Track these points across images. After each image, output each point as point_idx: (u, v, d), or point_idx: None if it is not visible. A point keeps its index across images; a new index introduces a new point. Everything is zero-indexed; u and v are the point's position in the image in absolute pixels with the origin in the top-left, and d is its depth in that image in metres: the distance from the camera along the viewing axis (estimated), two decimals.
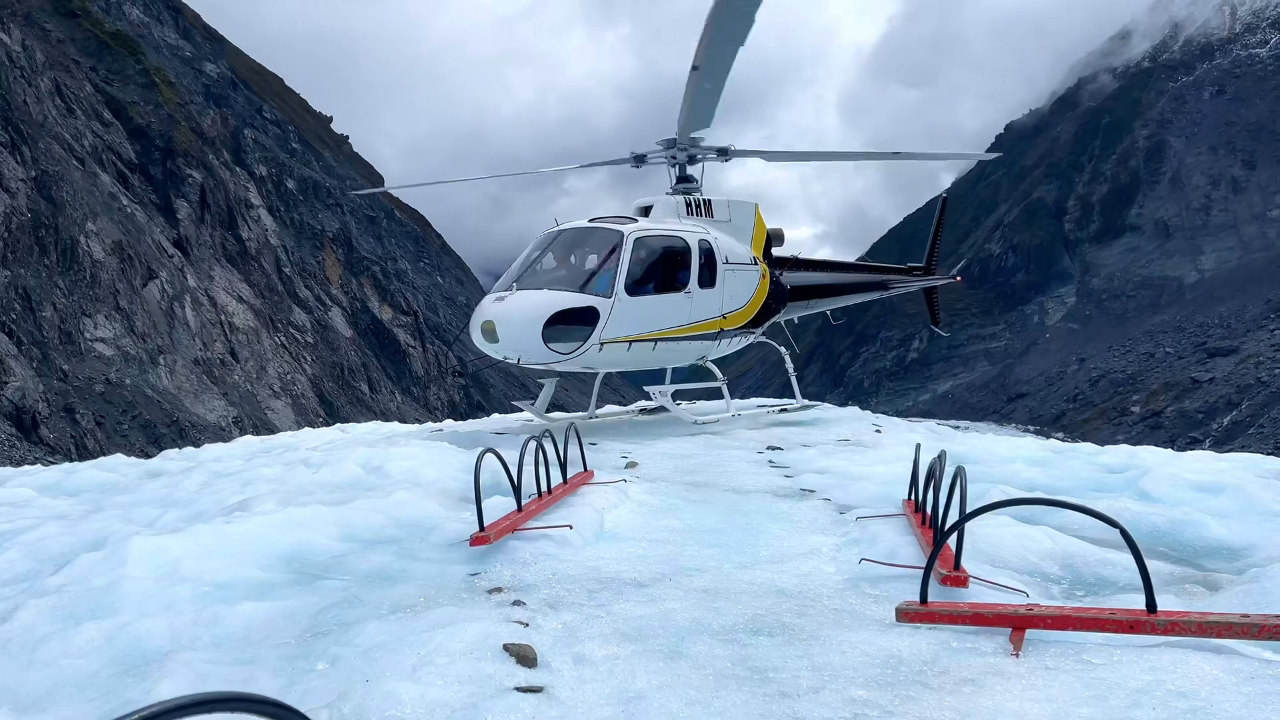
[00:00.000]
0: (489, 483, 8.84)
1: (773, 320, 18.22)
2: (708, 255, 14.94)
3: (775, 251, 18.03)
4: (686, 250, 14.55)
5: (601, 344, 13.30)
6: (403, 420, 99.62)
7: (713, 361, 17.02)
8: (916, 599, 5.30)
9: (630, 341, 13.72)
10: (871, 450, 13.94)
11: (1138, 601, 4.79)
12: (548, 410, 16.65)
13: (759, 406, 20.07)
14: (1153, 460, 12.78)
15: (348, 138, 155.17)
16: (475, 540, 6.67)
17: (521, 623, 5.23)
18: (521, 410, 18.00)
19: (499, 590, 5.98)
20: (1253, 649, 4.55)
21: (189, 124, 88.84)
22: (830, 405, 21.85)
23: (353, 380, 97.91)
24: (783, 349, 18.60)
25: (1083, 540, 7.71)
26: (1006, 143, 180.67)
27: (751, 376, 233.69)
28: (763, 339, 18.48)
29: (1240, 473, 10.81)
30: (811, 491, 10.72)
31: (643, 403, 24.61)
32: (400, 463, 10.42)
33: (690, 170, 15.98)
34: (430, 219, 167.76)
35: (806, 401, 18.63)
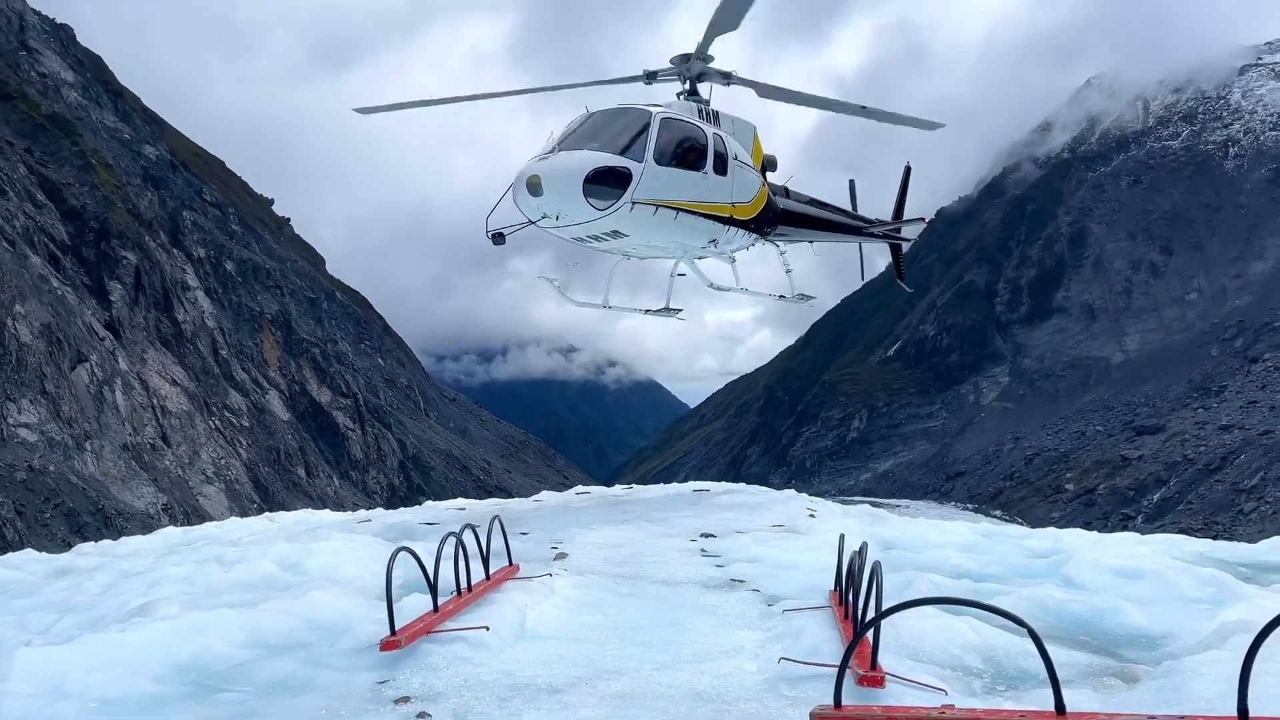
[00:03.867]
0: (412, 577, 8.61)
1: (768, 235, 18.98)
2: (720, 146, 16.05)
3: (770, 178, 18.89)
4: (703, 136, 15.69)
5: (633, 203, 14.20)
6: (340, 505, 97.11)
7: (725, 258, 18.24)
8: (831, 702, 5.22)
9: (657, 206, 14.68)
10: (803, 536, 13.91)
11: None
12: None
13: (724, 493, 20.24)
14: (1077, 544, 12.94)
15: (289, 220, 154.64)
16: (386, 645, 6.45)
17: None
18: (464, 504, 17.61)
19: (406, 700, 5.76)
20: None
21: (125, 206, 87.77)
22: (763, 489, 21.83)
23: (289, 465, 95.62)
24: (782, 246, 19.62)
25: (1005, 632, 7.72)
26: (937, 228, 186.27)
27: (695, 456, 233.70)
28: (771, 239, 19.17)
29: (1160, 557, 10.99)
30: (741, 582, 10.62)
31: (580, 486, 24.40)
32: (320, 558, 10.11)
33: (699, 88, 16.87)
34: (372, 300, 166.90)
35: (804, 293, 19.57)
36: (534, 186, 13.50)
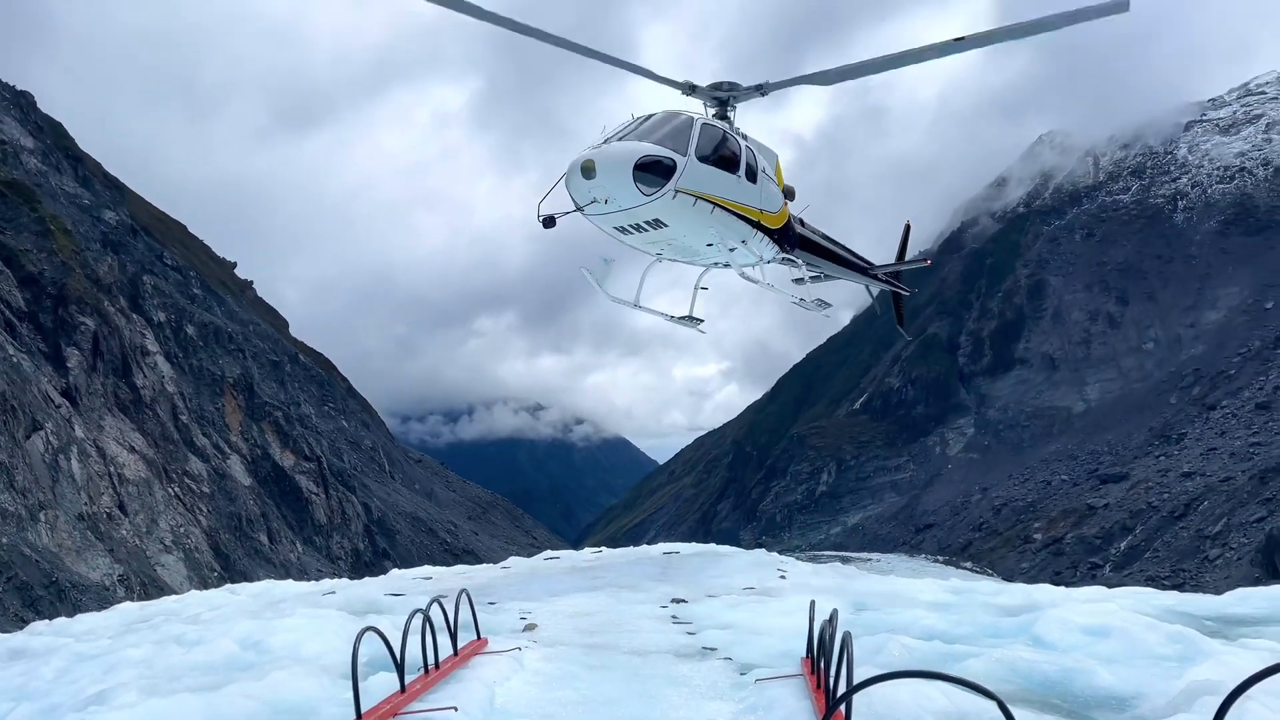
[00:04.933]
0: (378, 654, 8.44)
1: (788, 255, 19.82)
2: (750, 158, 17.23)
3: (789, 207, 19.77)
4: (738, 144, 16.90)
5: (676, 192, 15.12)
6: (303, 572, 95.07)
7: (746, 273, 19.25)
8: None
9: (696, 198, 15.62)
10: (775, 600, 13.85)
11: None
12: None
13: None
14: (1046, 601, 13.00)
15: (252, 283, 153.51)
16: None
17: None
18: (426, 574, 17.40)
19: None
20: None
21: (84, 271, 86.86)
22: (733, 549, 21.74)
23: (251, 531, 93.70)
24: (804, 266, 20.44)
25: (977, 698, 7.69)
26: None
27: (664, 514, 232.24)
28: (784, 259, 19.88)
29: (1127, 614, 11.05)
30: (713, 650, 10.53)
31: (549, 551, 24.18)
32: (282, 635, 9.88)
33: (728, 112, 17.78)
34: (336, 362, 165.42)
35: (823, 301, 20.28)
36: (588, 170, 14.43)
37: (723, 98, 17.23)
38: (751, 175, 17.19)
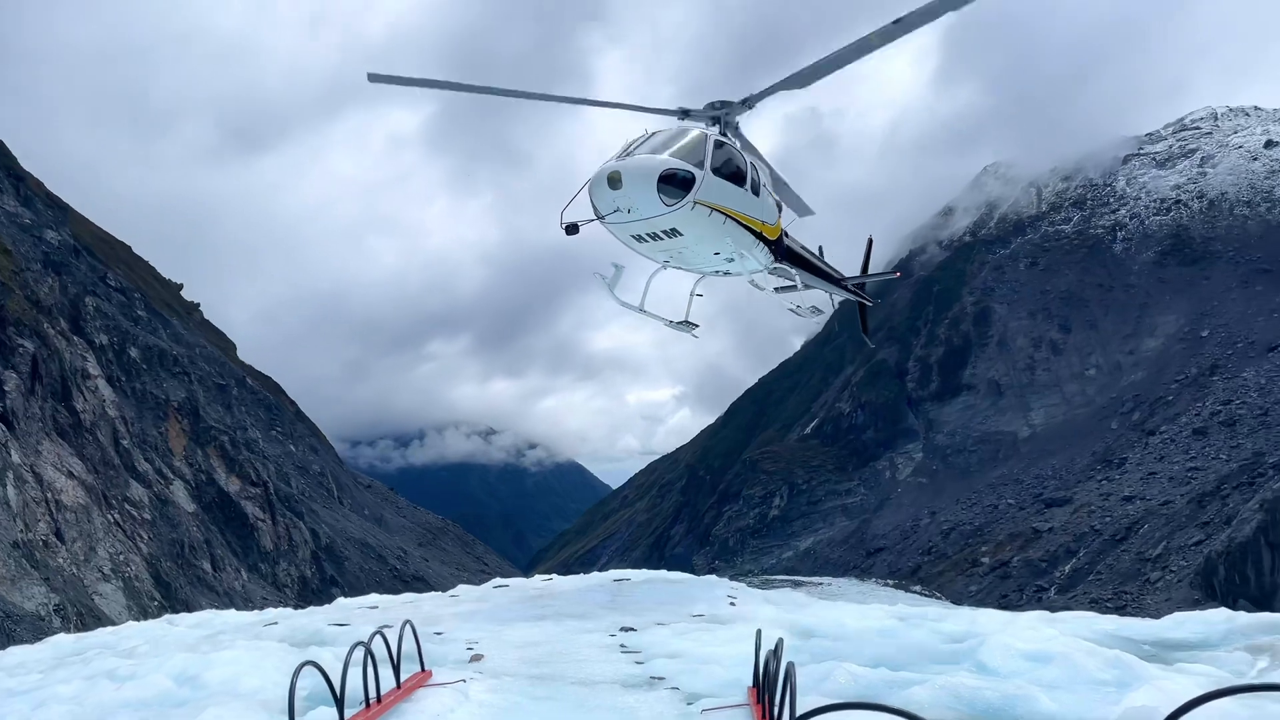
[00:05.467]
0: (319, 687, 8.27)
1: (779, 265, 20.66)
2: (754, 173, 18.11)
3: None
4: (744, 161, 17.78)
5: (694, 203, 15.90)
6: (247, 600, 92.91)
7: (756, 280, 20.44)
8: None
9: (711, 209, 16.42)
10: (724, 627, 13.85)
11: None
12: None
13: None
14: (990, 627, 13.15)
15: (199, 305, 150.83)
16: None
17: None
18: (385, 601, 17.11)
19: None
20: None
21: (24, 292, 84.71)
22: (684, 575, 21.71)
23: (194, 558, 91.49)
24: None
25: None
26: (848, 307, 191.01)
27: (618, 539, 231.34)
28: (777, 268, 20.69)
29: (1068, 639, 11.22)
30: (661, 679, 10.48)
31: (498, 579, 23.93)
32: (220, 669, 9.63)
33: (725, 130, 18.49)
34: (284, 385, 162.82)
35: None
36: (614, 180, 15.19)
37: (716, 115, 17.99)
38: (755, 188, 18.15)
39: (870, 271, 29.63)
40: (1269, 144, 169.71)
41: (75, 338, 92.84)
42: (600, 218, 15.72)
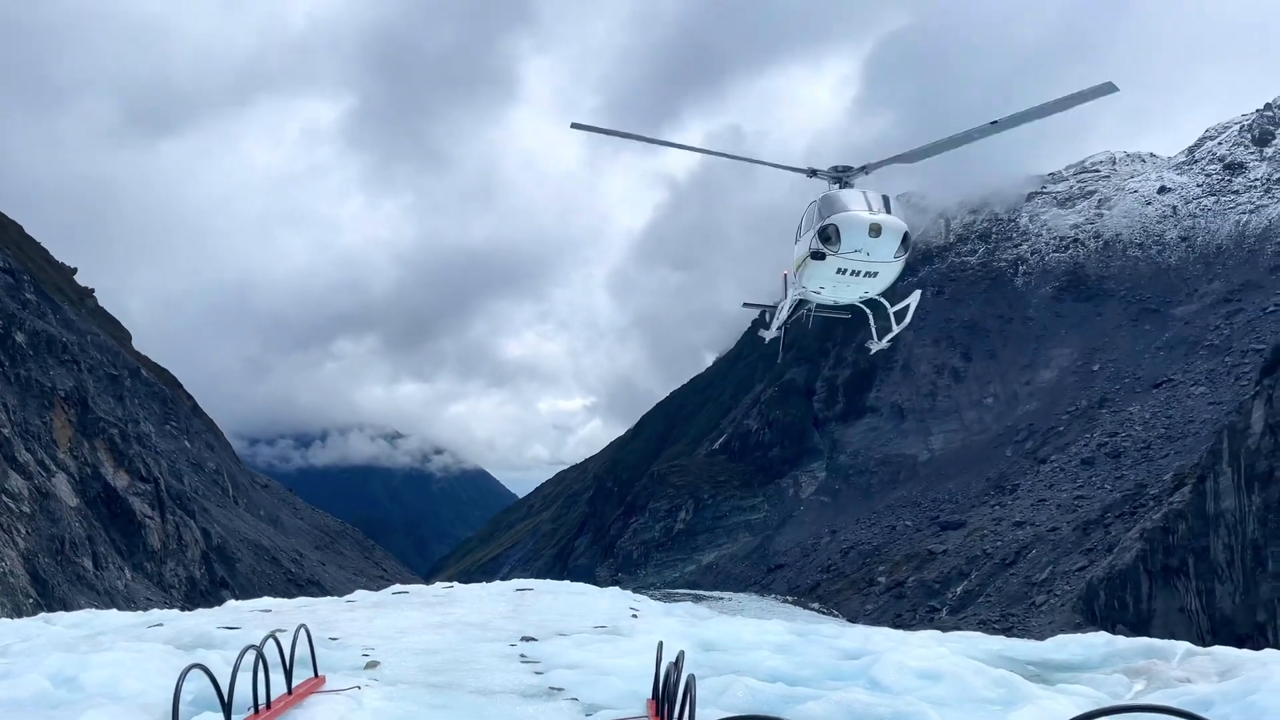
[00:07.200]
0: (206, 692, 7.98)
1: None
2: None
3: None
4: None
5: (904, 257, 17.90)
6: (130, 601, 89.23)
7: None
8: None
9: (899, 259, 18.17)
10: (625, 639, 13.86)
11: None
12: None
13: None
14: (884, 645, 13.47)
15: (93, 291, 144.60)
16: None
17: None
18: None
19: None
20: None
21: None
22: (587, 586, 21.68)
23: (75, 555, 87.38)
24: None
25: None
26: (760, 327, 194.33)
27: (521, 548, 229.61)
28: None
29: (957, 658, 11.58)
30: (560, 690, 10.44)
31: (398, 585, 23.54)
32: (99, 671, 9.22)
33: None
34: (181, 379, 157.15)
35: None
36: (875, 230, 17.33)
37: (839, 176, 19.91)
38: None
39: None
40: (1162, 190, 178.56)
41: None
42: (830, 248, 17.72)
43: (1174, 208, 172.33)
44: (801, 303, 22.81)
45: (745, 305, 26.63)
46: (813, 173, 20.64)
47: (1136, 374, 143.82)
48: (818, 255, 17.96)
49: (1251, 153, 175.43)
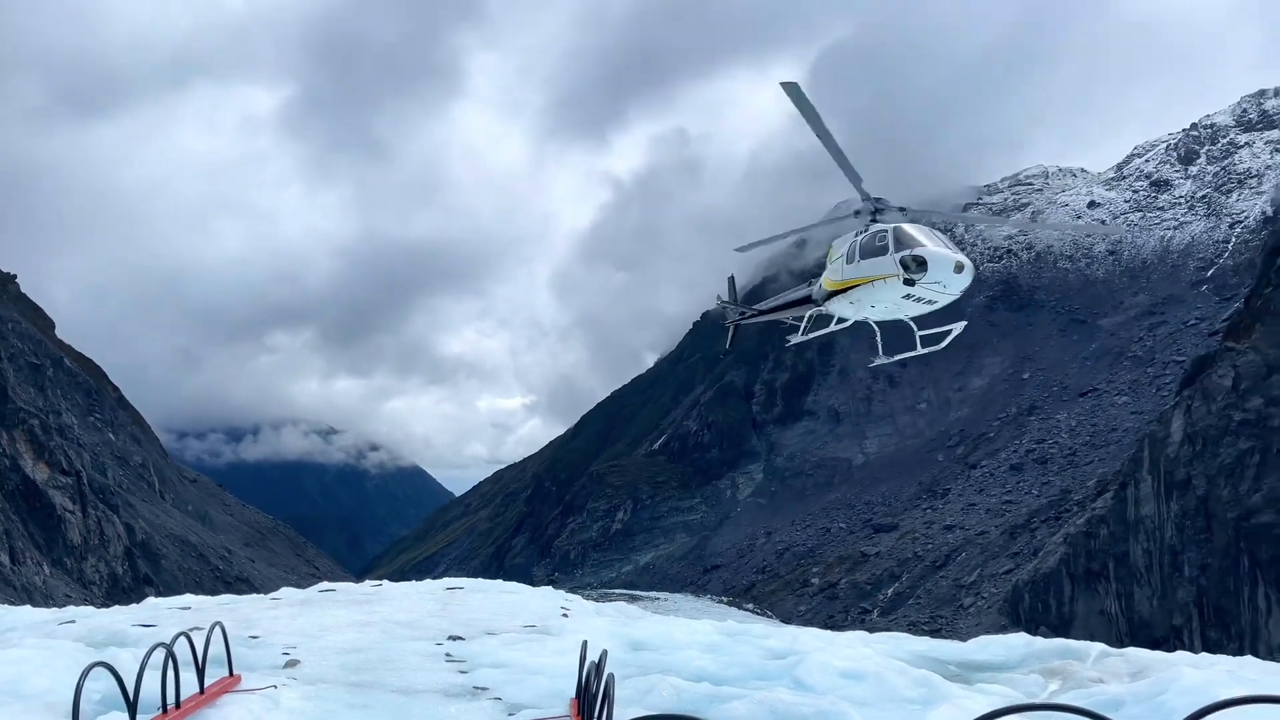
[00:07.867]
0: (111, 691, 7.73)
1: None
2: None
3: None
4: None
5: (962, 292, 19.28)
6: (49, 597, 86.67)
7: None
8: None
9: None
10: (554, 638, 13.79)
11: None
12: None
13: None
14: (811, 645, 13.60)
15: (15, 276, 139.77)
16: None
17: None
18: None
19: None
20: None
21: None
22: (519, 585, 21.54)
23: None
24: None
25: None
26: (703, 329, 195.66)
27: (458, 547, 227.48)
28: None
29: (881, 658, 11.75)
30: (485, 689, 10.33)
31: (325, 583, 23.13)
32: (4, 668, 8.88)
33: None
34: (107, 369, 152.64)
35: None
36: (960, 268, 18.72)
37: (876, 209, 21.70)
38: None
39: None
40: (1092, 204, 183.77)
41: None
42: (916, 276, 18.98)
43: (1103, 221, 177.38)
44: (826, 316, 24.11)
45: (739, 309, 28.10)
46: (857, 214, 22.35)
47: (1064, 383, 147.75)
48: (909, 283, 19.08)
49: (1177, 170, 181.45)
